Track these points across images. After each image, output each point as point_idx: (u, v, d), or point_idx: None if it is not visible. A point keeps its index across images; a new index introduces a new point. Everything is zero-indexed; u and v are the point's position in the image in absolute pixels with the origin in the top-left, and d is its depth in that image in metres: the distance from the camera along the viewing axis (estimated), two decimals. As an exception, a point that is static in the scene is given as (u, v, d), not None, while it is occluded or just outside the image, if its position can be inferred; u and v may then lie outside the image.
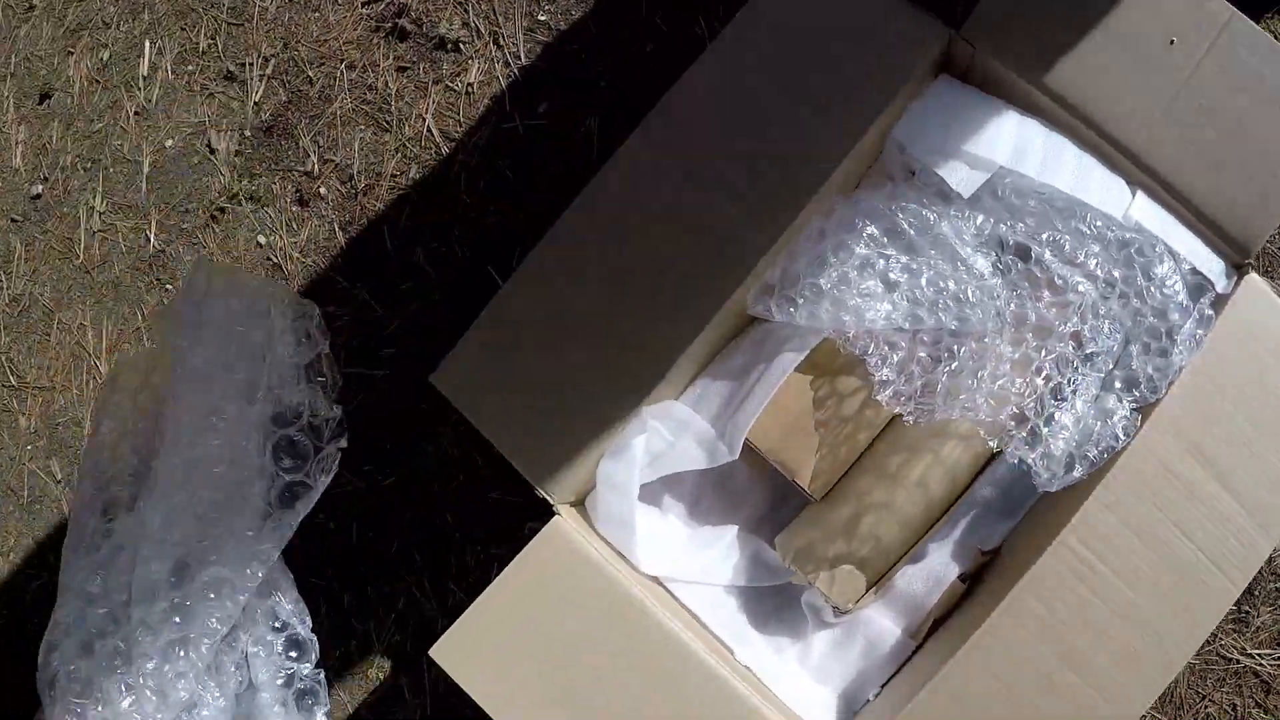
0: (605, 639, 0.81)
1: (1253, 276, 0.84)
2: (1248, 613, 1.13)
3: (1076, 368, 0.79)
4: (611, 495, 0.86)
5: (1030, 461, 0.77)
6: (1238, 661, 1.13)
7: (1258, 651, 1.13)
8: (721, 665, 0.80)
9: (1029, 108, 0.86)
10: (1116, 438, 0.77)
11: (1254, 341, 0.82)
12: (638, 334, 0.86)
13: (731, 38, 0.89)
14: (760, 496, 0.94)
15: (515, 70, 1.19)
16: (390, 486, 1.14)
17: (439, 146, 1.20)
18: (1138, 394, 0.79)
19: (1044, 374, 0.78)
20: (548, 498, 0.86)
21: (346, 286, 1.19)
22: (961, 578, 0.89)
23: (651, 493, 0.91)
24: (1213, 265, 0.83)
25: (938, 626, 0.89)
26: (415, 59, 1.23)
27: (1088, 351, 0.78)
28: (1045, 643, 0.80)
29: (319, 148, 1.22)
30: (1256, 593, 1.13)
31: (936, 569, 0.90)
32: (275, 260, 1.22)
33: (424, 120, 1.21)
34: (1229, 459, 0.81)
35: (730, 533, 0.91)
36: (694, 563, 0.88)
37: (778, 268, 0.84)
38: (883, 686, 0.89)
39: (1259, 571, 1.14)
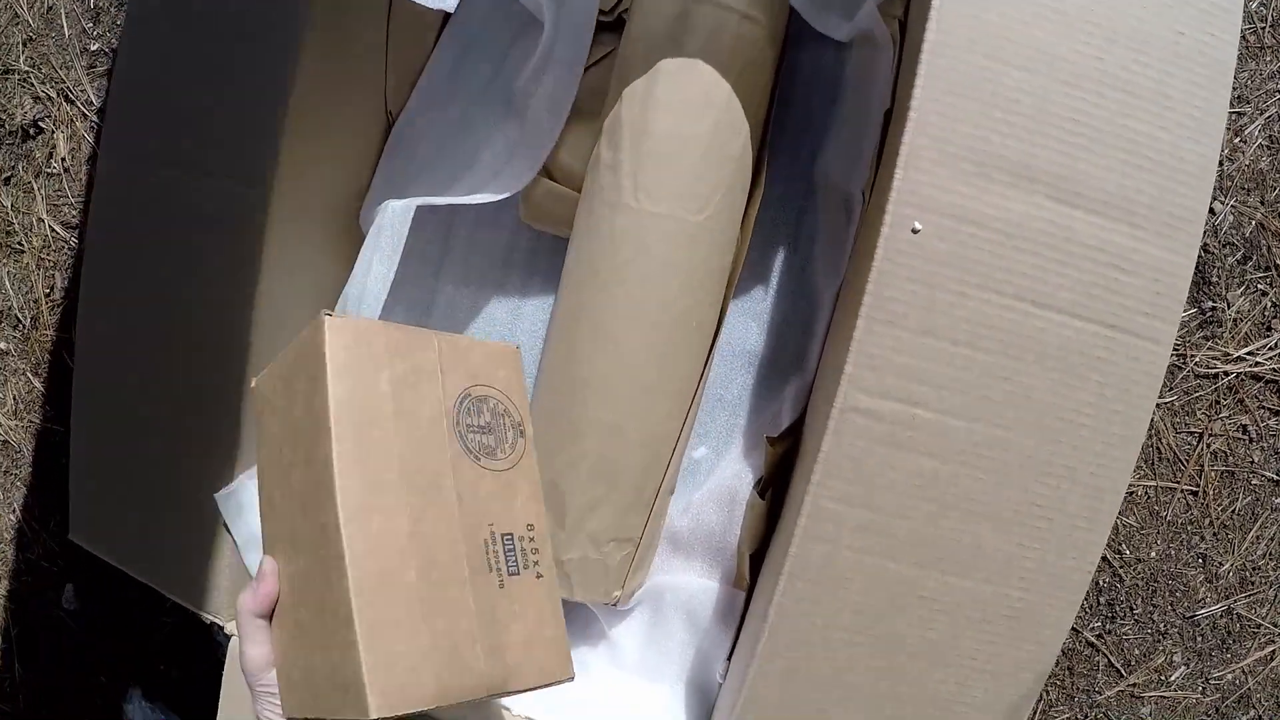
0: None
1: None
2: (1214, 310, 0.80)
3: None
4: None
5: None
6: (1226, 373, 0.80)
7: (1245, 352, 0.80)
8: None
9: None
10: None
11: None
12: (197, 393, 0.60)
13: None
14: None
15: (95, 118, 0.91)
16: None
17: (68, 242, 0.94)
18: None
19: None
20: (215, 620, 0.62)
21: (64, 431, 0.96)
22: (758, 488, 0.60)
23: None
24: None
25: (760, 560, 0.61)
26: (13, 161, 0.97)
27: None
28: (881, 552, 0.51)
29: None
30: (1214, 280, 0.80)
31: (726, 486, 0.62)
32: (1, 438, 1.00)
33: (44, 222, 0.94)
34: (1017, 151, 0.49)
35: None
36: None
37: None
38: (729, 659, 0.61)
39: (1207, 256, 0.80)
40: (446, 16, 0.67)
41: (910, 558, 0.52)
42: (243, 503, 0.63)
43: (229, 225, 0.60)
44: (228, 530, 0.63)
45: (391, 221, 0.60)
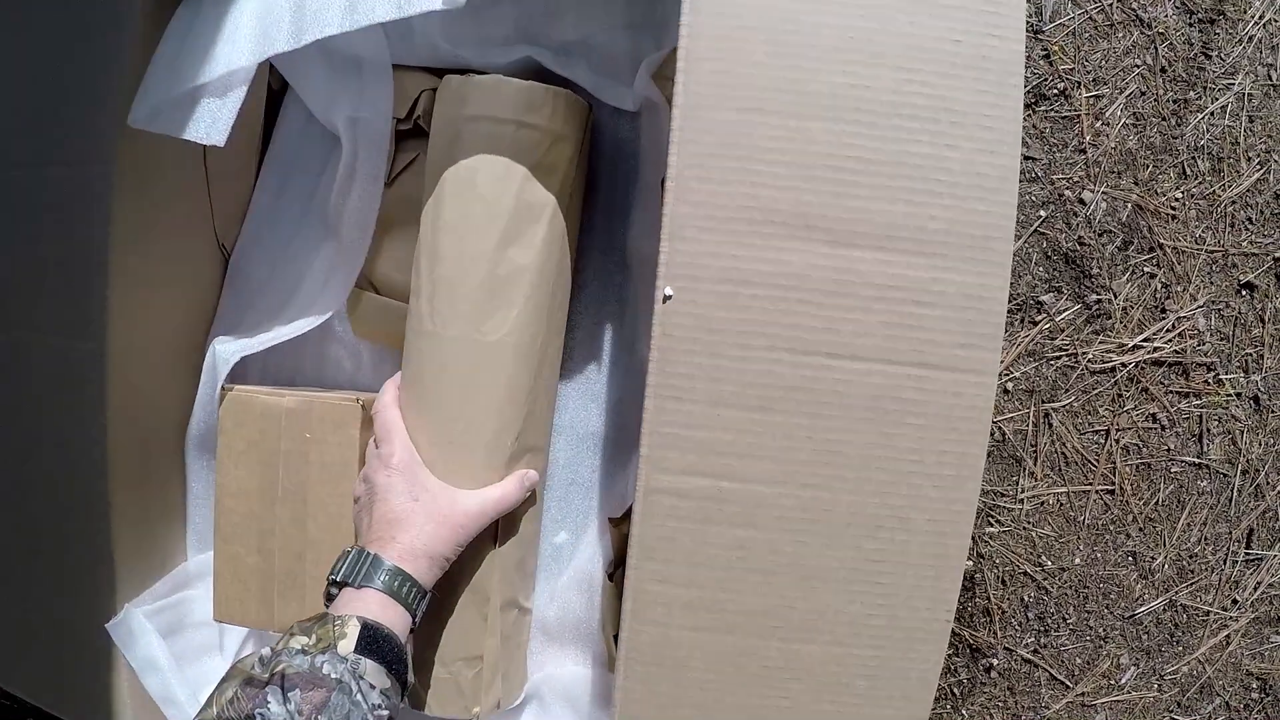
0: None
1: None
2: (1100, 303, 0.76)
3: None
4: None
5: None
6: (1123, 364, 0.77)
7: (1141, 339, 0.76)
8: None
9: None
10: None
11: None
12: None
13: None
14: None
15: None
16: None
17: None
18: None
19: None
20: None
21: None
22: (609, 570, 0.58)
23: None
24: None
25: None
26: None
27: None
28: (715, 628, 0.49)
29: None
30: (1094, 272, 0.76)
31: (584, 570, 0.60)
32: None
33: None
34: (787, 201, 0.47)
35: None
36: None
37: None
38: (614, 743, 0.59)
39: (1084, 249, 0.77)
40: (266, 141, 0.67)
41: (747, 630, 0.49)
42: (133, 629, 0.62)
43: (68, 380, 0.60)
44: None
45: (215, 365, 0.61)
